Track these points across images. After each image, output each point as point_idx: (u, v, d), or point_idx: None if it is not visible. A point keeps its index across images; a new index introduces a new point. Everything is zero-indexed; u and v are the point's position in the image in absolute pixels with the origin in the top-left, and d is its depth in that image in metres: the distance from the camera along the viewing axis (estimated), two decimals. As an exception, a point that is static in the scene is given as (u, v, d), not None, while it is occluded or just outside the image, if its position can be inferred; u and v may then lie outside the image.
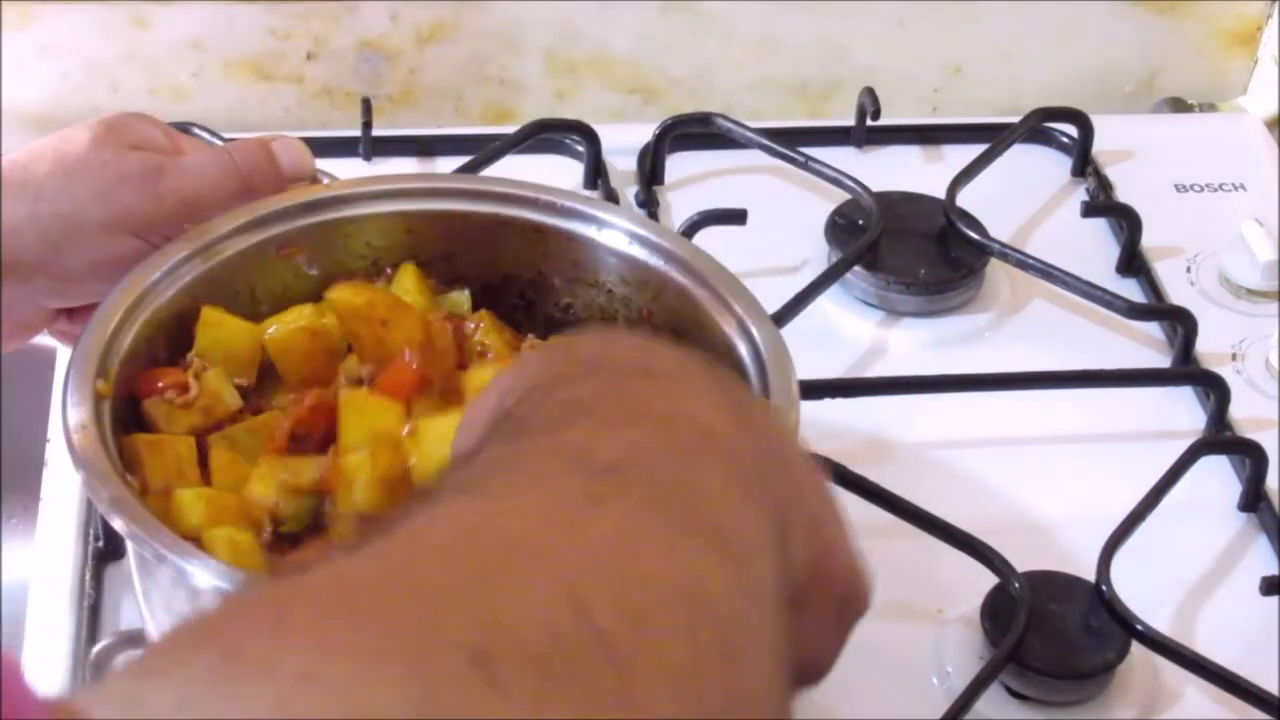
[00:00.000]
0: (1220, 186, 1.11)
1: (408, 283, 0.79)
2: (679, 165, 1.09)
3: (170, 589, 0.67)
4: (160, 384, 0.73)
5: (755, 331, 0.74)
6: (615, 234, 0.80)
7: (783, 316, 0.93)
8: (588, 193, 1.06)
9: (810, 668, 0.51)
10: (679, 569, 0.39)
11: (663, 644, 0.36)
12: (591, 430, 0.44)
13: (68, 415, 0.68)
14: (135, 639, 0.79)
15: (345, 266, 0.80)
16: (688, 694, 0.36)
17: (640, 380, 0.47)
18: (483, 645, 0.33)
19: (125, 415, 0.72)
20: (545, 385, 0.47)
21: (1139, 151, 1.14)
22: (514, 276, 0.82)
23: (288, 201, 0.79)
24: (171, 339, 0.75)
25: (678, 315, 0.78)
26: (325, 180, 0.83)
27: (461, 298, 0.81)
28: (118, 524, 0.65)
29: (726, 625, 0.39)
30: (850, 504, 0.84)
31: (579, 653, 0.34)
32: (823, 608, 0.50)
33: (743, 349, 0.75)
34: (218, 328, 0.76)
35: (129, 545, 0.70)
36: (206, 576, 0.63)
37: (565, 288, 0.81)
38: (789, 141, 1.07)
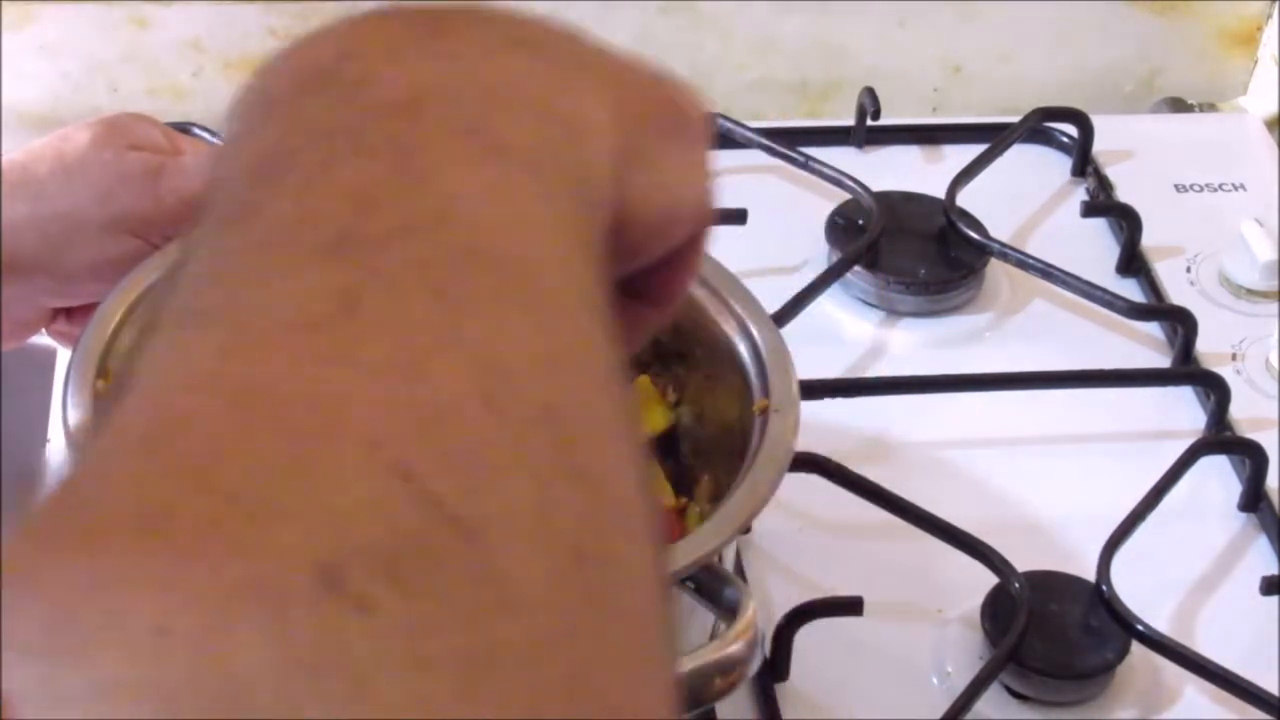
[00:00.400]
0: (1220, 186, 1.11)
1: None
2: (679, 165, 1.09)
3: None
4: None
5: (755, 331, 0.75)
6: None
7: (783, 316, 0.93)
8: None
9: (688, 204, 0.45)
10: (471, 369, 0.33)
11: (497, 486, 0.31)
12: (294, 192, 0.36)
13: (68, 415, 0.68)
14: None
15: None
16: (548, 536, 0.31)
17: (312, 92, 0.39)
18: (323, 555, 0.28)
19: None
20: (220, 153, 0.39)
21: (1139, 151, 1.14)
22: None
23: None
24: None
25: (677, 315, 0.78)
26: None
27: None
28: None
29: (544, 415, 0.33)
30: (850, 504, 0.85)
31: (428, 539, 0.30)
32: (652, 143, 0.43)
33: (743, 349, 0.75)
34: None
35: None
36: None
37: None
38: (789, 141, 1.07)
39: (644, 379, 0.80)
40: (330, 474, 0.30)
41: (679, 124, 0.45)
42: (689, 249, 0.47)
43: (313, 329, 0.32)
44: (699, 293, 0.77)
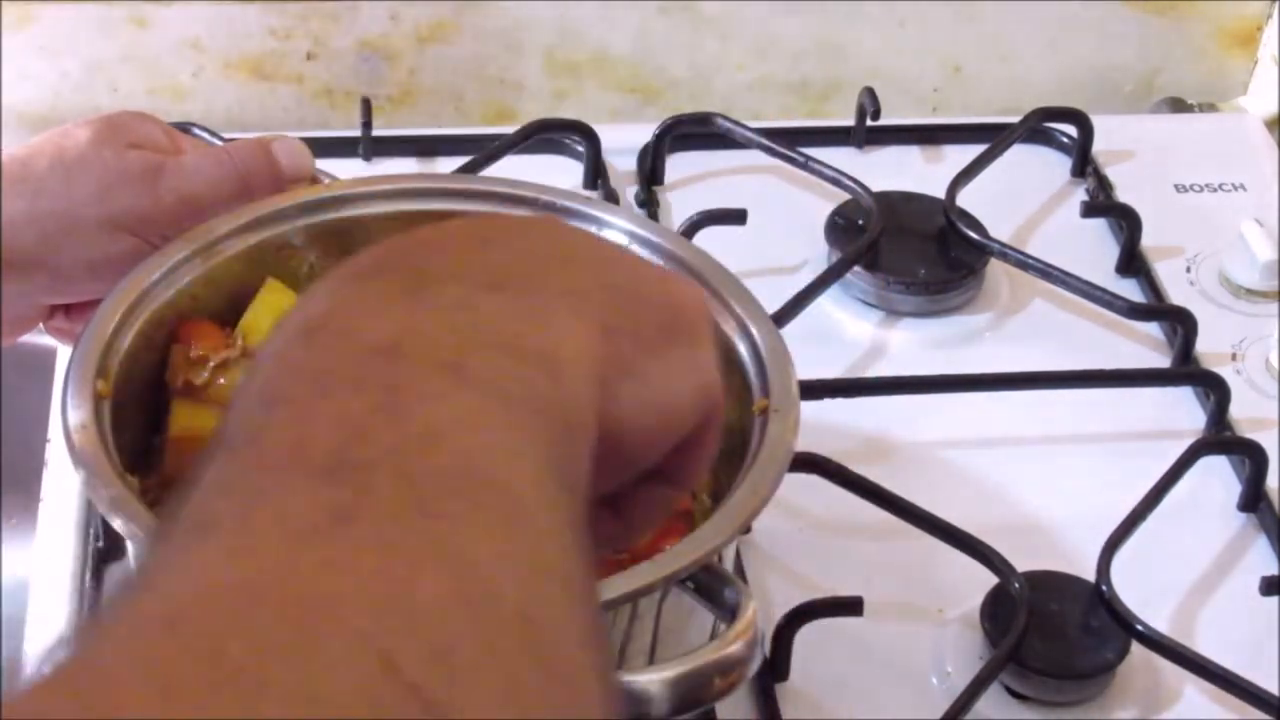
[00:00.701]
0: (1220, 186, 1.11)
1: None
2: (679, 165, 1.09)
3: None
4: (198, 340, 0.74)
5: (755, 331, 0.74)
6: (614, 234, 0.80)
7: (783, 316, 0.93)
8: (587, 193, 1.06)
9: (682, 408, 0.49)
10: (454, 577, 0.37)
11: (473, 678, 0.35)
12: (291, 421, 0.40)
13: (68, 415, 0.68)
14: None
15: None
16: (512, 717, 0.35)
17: (302, 344, 0.43)
18: None
19: (124, 416, 0.72)
20: (235, 392, 0.44)
21: (1139, 151, 1.14)
22: None
23: (287, 202, 0.79)
24: (172, 339, 0.75)
25: None
26: (325, 181, 0.83)
27: None
28: (118, 524, 0.65)
29: (519, 619, 0.37)
30: (850, 504, 0.85)
31: (402, 716, 0.33)
32: (640, 357, 0.47)
33: (743, 349, 0.75)
34: (280, 295, 0.76)
35: (129, 545, 0.70)
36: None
37: None
38: (789, 141, 1.07)
39: None
40: (322, 660, 0.34)
41: (671, 327, 0.48)
42: (702, 433, 0.50)
43: (310, 539, 0.36)
44: None
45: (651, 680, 0.61)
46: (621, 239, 0.79)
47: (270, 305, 0.76)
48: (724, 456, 0.75)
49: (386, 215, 0.81)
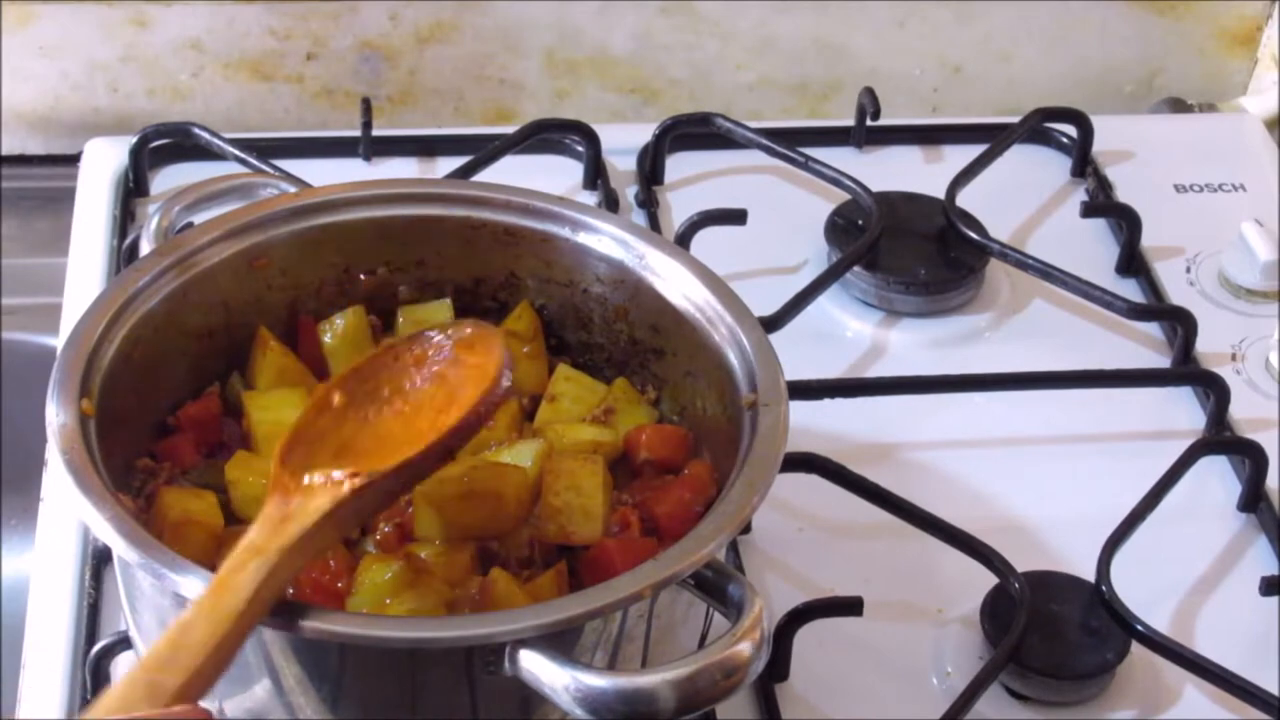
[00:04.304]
0: (1220, 186, 1.11)
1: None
2: (679, 165, 1.09)
3: (156, 598, 0.67)
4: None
5: (742, 334, 0.75)
6: (589, 234, 0.80)
7: (782, 316, 0.93)
8: (585, 193, 1.06)
9: None
10: None
11: None
12: None
13: (54, 433, 0.68)
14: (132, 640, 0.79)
15: (317, 275, 0.80)
16: None
17: None
18: None
19: (104, 432, 0.71)
20: None
21: (1139, 151, 1.14)
22: (486, 279, 0.82)
23: (262, 212, 0.80)
24: (149, 351, 0.75)
25: (654, 313, 0.79)
26: None
27: (441, 307, 0.82)
28: (118, 546, 0.65)
29: None
30: (850, 504, 0.85)
31: None
32: None
33: (724, 345, 0.75)
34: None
35: (115, 557, 0.69)
36: (196, 586, 0.62)
37: (539, 288, 0.82)
38: (789, 141, 1.07)
39: (621, 381, 0.80)
40: None
41: None
42: None
43: None
44: (674, 289, 0.78)
45: (658, 681, 0.61)
46: (596, 239, 0.80)
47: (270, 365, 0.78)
48: (712, 450, 0.76)
49: (357, 222, 0.81)
